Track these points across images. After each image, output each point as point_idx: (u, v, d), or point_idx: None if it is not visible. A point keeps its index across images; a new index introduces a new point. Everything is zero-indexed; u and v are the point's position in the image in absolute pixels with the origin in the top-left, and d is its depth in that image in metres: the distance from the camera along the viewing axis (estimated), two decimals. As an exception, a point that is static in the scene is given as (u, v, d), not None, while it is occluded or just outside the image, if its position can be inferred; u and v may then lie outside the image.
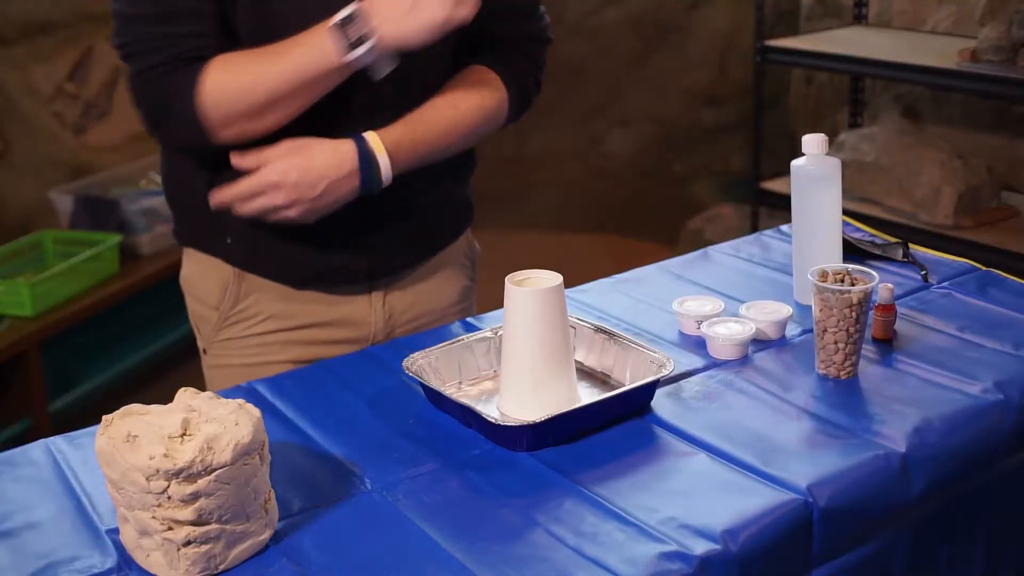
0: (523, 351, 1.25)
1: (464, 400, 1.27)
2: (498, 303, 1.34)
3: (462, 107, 1.47)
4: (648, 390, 1.28)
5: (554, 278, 1.26)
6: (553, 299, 1.24)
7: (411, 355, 1.33)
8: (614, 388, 1.31)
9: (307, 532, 1.08)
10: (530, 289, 1.24)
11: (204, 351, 1.60)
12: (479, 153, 1.63)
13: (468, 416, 1.25)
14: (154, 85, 1.37)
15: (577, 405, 1.24)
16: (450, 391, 1.31)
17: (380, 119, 1.43)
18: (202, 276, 1.56)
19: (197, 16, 1.36)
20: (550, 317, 1.24)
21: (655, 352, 1.31)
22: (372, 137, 1.40)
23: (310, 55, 1.33)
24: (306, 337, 1.54)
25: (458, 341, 1.37)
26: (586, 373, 1.37)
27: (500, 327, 1.35)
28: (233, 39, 1.39)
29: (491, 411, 1.27)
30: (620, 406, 1.26)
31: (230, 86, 1.36)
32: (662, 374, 1.28)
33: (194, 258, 1.58)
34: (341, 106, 1.41)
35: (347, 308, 1.55)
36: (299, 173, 1.37)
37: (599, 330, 1.38)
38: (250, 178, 1.38)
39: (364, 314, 1.56)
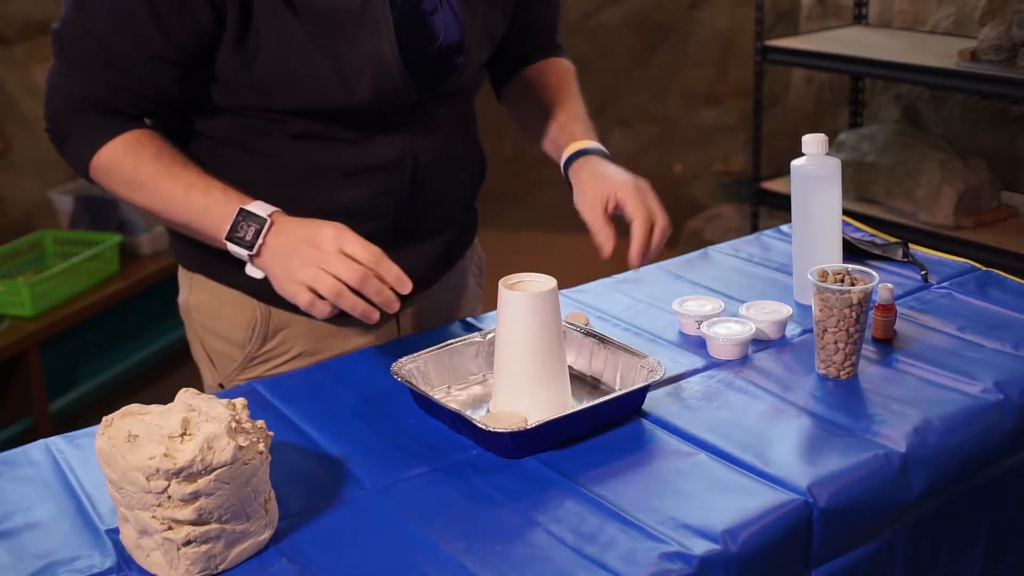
0: (516, 355, 1.24)
1: (453, 405, 1.25)
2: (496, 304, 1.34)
3: (576, 93, 1.64)
4: (637, 396, 1.27)
5: (548, 282, 1.25)
6: (547, 303, 1.23)
7: (399, 360, 1.31)
8: (604, 393, 1.30)
9: (307, 532, 1.08)
10: (523, 293, 1.23)
11: (221, 386, 1.49)
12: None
13: (457, 421, 1.24)
14: (67, 109, 1.33)
15: (566, 412, 1.22)
16: (439, 395, 1.30)
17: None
18: (220, 309, 1.47)
19: (155, 77, 1.30)
20: (543, 321, 1.23)
21: (645, 356, 1.30)
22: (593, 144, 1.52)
23: (201, 218, 1.30)
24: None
25: (447, 345, 1.35)
26: (575, 377, 1.35)
27: (491, 330, 1.35)
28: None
29: (483, 415, 1.25)
30: (609, 412, 1.25)
31: (123, 169, 1.32)
32: (652, 379, 1.27)
33: (206, 287, 1.47)
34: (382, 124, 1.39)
35: (376, 332, 1.49)
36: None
37: (588, 334, 1.37)
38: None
39: (392, 335, 1.51)
